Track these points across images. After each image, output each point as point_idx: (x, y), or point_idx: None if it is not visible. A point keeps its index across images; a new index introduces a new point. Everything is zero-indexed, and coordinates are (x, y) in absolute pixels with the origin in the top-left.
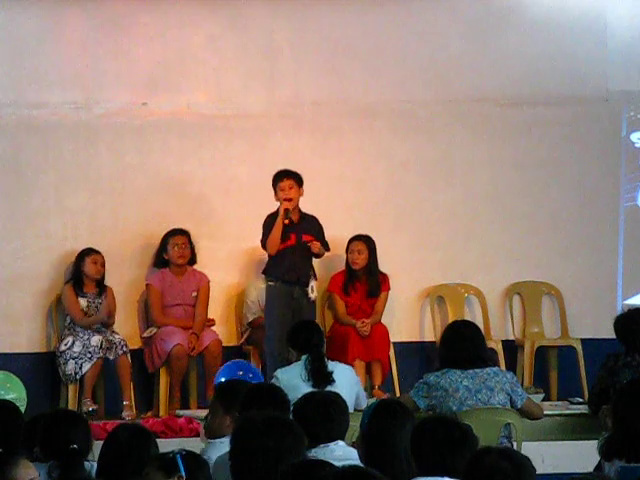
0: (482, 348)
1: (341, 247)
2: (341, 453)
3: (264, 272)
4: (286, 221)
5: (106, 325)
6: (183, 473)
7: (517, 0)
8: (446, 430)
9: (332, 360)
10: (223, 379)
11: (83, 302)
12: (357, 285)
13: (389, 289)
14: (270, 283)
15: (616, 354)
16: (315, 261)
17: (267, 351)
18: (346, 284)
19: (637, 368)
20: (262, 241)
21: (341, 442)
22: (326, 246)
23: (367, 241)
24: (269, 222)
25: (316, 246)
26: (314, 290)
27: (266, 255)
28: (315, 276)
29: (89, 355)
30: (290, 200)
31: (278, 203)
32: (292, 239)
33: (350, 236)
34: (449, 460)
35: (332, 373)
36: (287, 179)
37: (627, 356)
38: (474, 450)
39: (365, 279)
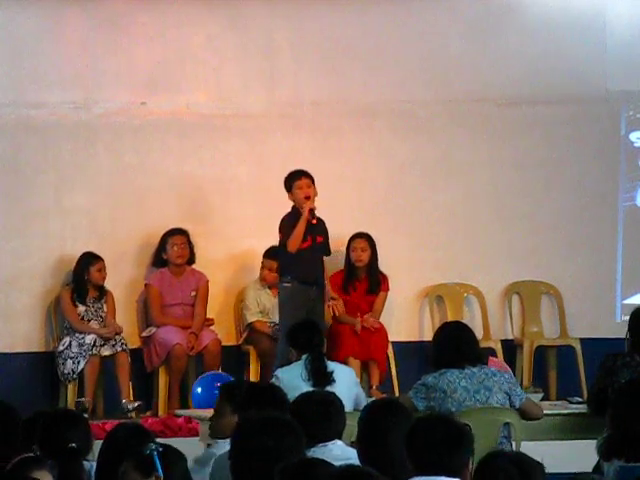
0: (476, 347)
1: (341, 246)
2: (339, 452)
3: (279, 272)
4: (314, 221)
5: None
6: (160, 473)
7: (517, 0)
8: (442, 428)
9: (331, 360)
10: (199, 389)
11: (82, 307)
12: (356, 284)
13: (388, 290)
14: (286, 284)
15: (615, 354)
16: None
17: (278, 351)
18: (345, 283)
19: (636, 368)
20: (282, 241)
21: (339, 441)
22: (329, 251)
23: (369, 239)
24: (289, 222)
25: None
26: (329, 292)
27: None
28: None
29: (84, 353)
30: (309, 198)
31: (291, 203)
32: (309, 240)
33: (350, 236)
34: (446, 459)
35: (332, 373)
36: (305, 178)
37: (626, 356)
38: (470, 449)
39: (365, 277)
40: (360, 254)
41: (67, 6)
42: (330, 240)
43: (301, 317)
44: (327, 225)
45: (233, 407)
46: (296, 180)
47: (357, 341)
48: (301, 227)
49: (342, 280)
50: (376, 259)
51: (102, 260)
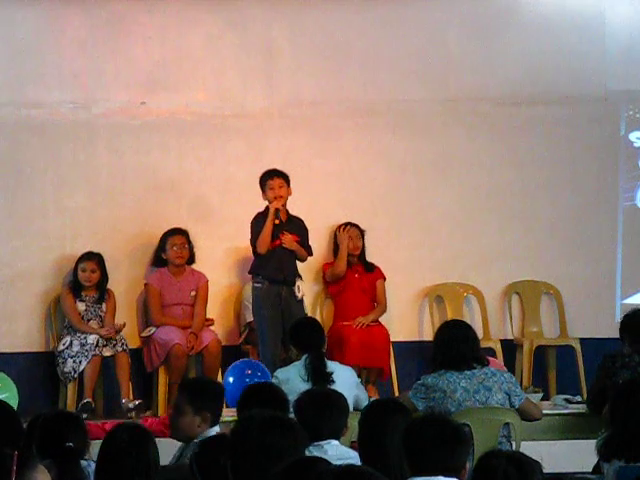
0: (476, 348)
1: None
2: (334, 453)
3: (250, 272)
4: (276, 221)
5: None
6: None
7: (517, 0)
8: (438, 428)
9: (331, 360)
10: (231, 379)
11: (81, 306)
12: (354, 267)
13: (383, 277)
14: (257, 285)
15: (613, 355)
16: (311, 258)
17: (260, 352)
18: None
19: (635, 368)
20: (252, 241)
21: (334, 441)
22: (309, 250)
23: (358, 227)
24: (259, 222)
25: (287, 240)
26: (300, 290)
27: None
28: (300, 276)
29: (86, 353)
30: (280, 198)
31: (266, 202)
32: (279, 240)
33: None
34: (444, 459)
35: (332, 373)
36: (277, 178)
37: (625, 356)
38: (467, 448)
39: (358, 261)
40: (357, 241)
41: (67, 6)
42: (329, 239)
43: (277, 317)
44: (326, 224)
45: (194, 408)
46: (268, 180)
47: (361, 347)
48: (267, 229)
49: None
50: (364, 244)
51: (91, 260)
